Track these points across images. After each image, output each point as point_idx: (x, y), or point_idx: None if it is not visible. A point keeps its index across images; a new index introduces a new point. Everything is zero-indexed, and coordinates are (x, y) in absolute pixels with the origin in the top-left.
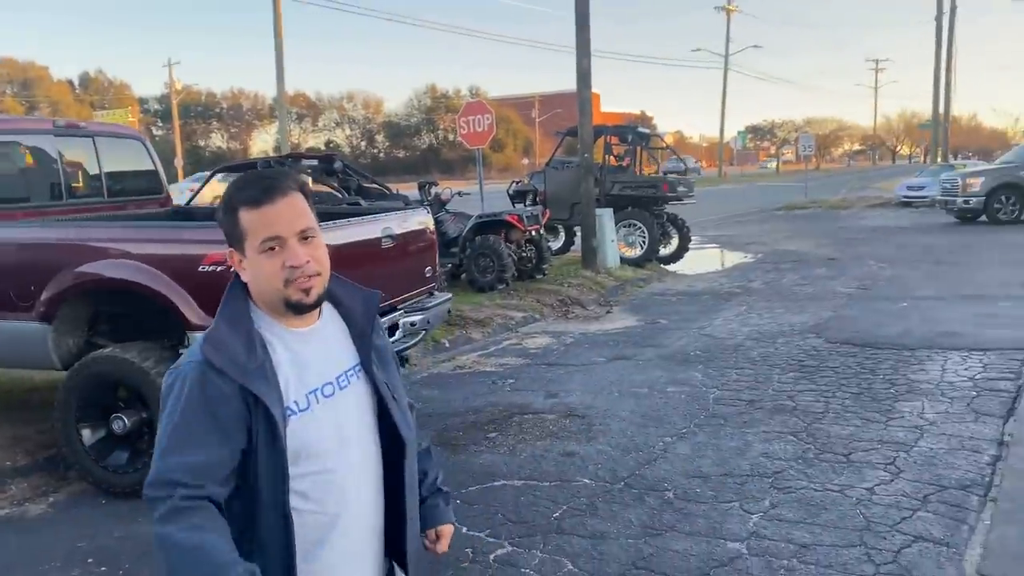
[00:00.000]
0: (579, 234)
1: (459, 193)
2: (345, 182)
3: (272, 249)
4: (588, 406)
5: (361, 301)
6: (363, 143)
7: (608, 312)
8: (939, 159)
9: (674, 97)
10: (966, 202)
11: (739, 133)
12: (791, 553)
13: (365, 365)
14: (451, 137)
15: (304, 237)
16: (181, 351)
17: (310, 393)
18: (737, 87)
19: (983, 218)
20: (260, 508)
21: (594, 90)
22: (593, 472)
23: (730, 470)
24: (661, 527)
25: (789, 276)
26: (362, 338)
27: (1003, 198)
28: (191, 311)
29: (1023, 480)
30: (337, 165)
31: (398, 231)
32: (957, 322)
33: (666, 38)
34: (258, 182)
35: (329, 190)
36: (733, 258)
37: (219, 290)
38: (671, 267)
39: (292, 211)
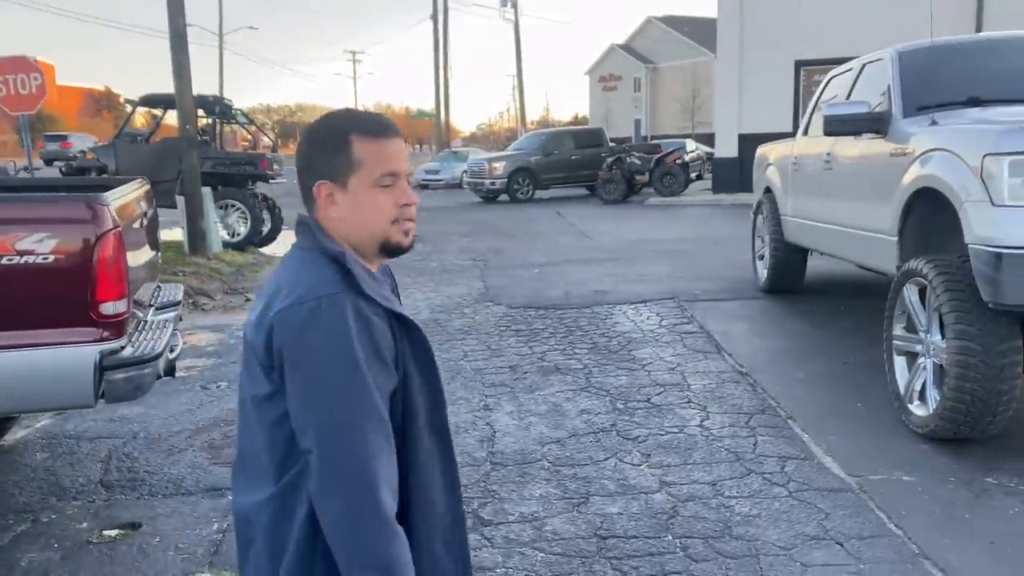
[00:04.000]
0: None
1: (24, 168)
2: None
3: (388, 186)
4: None
5: (386, 271)
6: None
7: (247, 300)
8: (443, 148)
9: (153, 75)
10: (492, 183)
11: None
12: (710, 493)
13: None
14: None
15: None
16: None
17: None
18: (233, 69)
19: (503, 197)
20: (416, 443)
21: (48, 60)
22: None
23: (572, 431)
24: (578, 496)
25: None
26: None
27: (520, 179)
28: None
29: (793, 400)
30: None
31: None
32: (595, 282)
33: (139, 10)
34: (374, 116)
35: None
36: None
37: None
38: (266, 250)
39: (404, 151)
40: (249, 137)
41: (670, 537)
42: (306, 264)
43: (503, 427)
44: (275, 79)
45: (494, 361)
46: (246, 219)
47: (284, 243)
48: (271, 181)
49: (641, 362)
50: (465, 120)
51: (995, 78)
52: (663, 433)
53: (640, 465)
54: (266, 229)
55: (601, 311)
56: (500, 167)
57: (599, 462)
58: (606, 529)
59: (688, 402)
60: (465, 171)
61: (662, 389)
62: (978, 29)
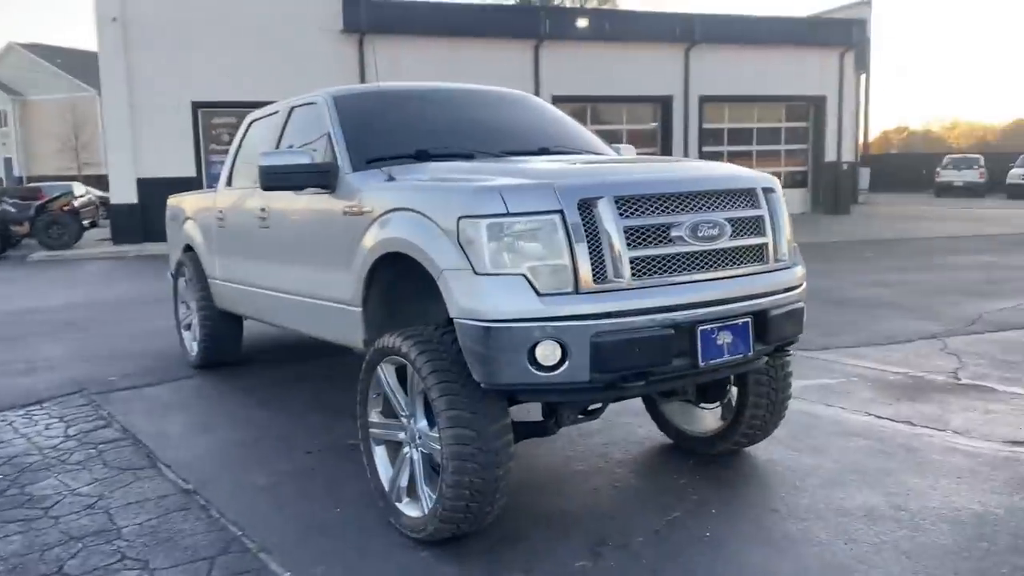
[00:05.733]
0: None
1: None
2: None
3: None
4: None
5: None
6: None
7: None
8: None
9: None
10: None
11: None
12: None
13: None
14: None
15: None
16: None
17: None
18: None
19: None
20: None
21: None
22: None
23: None
24: None
25: None
26: None
27: None
28: None
29: (260, 521)
30: None
31: None
32: None
33: None
34: None
35: None
36: None
37: None
38: None
39: None
40: None
41: None
42: None
43: None
44: None
45: None
46: None
47: None
48: None
49: (41, 504)
50: None
51: (441, 131)
52: None
53: None
54: None
55: None
56: None
57: None
58: None
59: (122, 560)
60: None
61: (80, 546)
62: (361, 80)
